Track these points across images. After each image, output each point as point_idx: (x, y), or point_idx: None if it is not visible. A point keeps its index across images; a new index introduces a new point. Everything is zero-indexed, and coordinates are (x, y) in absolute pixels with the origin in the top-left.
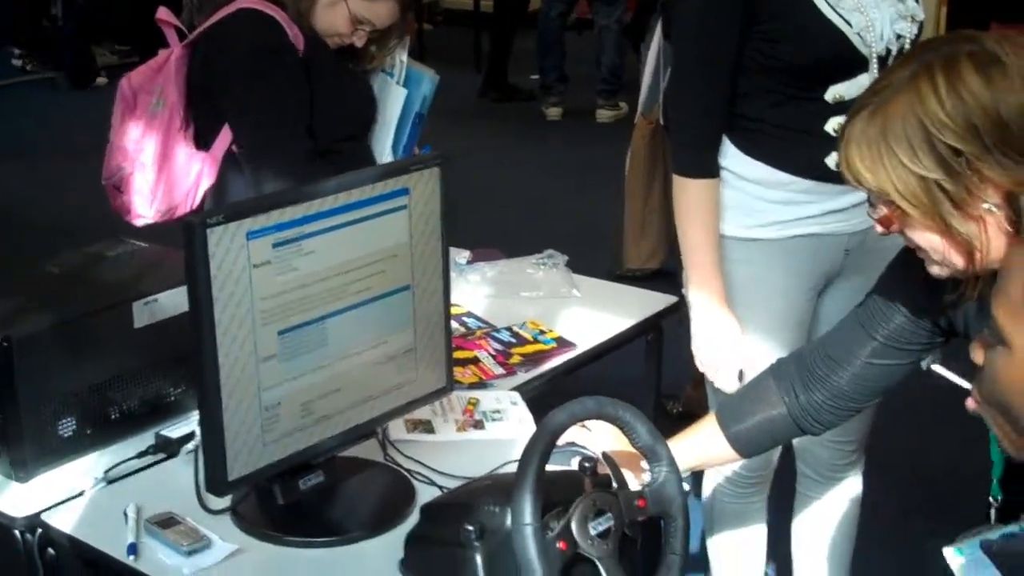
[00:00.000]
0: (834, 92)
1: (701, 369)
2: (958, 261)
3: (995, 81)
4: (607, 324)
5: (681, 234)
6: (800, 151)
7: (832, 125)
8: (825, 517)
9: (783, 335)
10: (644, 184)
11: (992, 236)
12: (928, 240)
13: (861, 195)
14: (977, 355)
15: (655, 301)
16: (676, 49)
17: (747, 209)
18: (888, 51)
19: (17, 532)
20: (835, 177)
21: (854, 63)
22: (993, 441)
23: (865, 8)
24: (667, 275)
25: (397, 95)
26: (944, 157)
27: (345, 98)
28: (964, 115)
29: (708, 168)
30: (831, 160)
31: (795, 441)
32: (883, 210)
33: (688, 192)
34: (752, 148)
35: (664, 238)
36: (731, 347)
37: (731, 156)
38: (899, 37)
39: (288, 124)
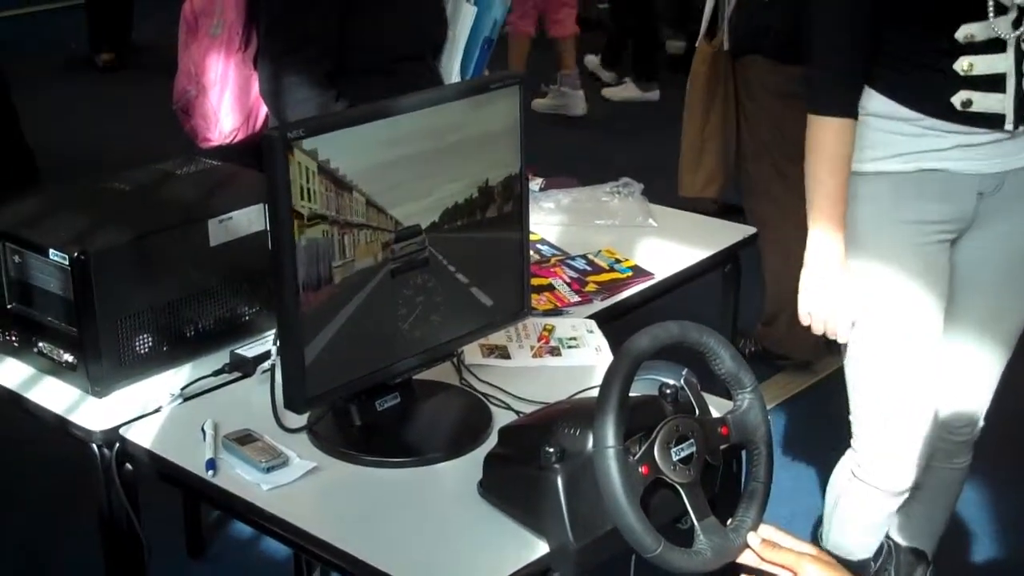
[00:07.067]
0: (965, 31)
1: (806, 321)
2: None
3: None
4: (683, 255)
5: (810, 176)
6: (925, 87)
7: (962, 64)
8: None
9: (910, 281)
10: (703, 110)
11: None
12: None
13: (996, 134)
14: None
15: (733, 232)
16: None
17: (871, 141)
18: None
19: (95, 446)
20: (960, 118)
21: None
22: None
23: None
24: (735, 209)
25: (467, 13)
26: None
27: (414, 15)
28: None
29: (849, 108)
30: (957, 100)
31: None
32: None
33: (826, 131)
34: (874, 81)
35: (721, 166)
36: (845, 299)
37: None
38: None
39: (311, 29)
